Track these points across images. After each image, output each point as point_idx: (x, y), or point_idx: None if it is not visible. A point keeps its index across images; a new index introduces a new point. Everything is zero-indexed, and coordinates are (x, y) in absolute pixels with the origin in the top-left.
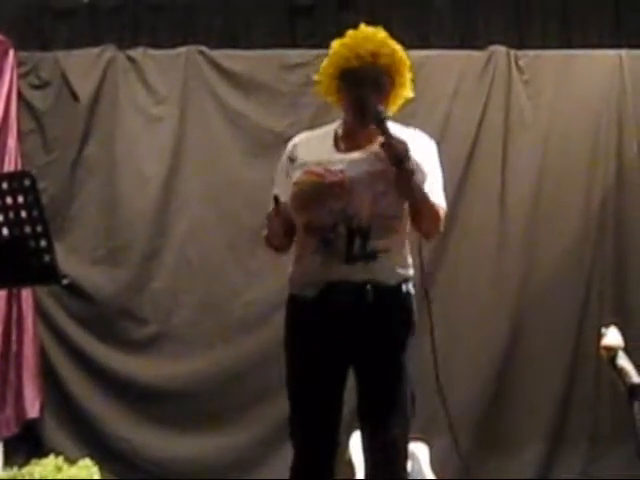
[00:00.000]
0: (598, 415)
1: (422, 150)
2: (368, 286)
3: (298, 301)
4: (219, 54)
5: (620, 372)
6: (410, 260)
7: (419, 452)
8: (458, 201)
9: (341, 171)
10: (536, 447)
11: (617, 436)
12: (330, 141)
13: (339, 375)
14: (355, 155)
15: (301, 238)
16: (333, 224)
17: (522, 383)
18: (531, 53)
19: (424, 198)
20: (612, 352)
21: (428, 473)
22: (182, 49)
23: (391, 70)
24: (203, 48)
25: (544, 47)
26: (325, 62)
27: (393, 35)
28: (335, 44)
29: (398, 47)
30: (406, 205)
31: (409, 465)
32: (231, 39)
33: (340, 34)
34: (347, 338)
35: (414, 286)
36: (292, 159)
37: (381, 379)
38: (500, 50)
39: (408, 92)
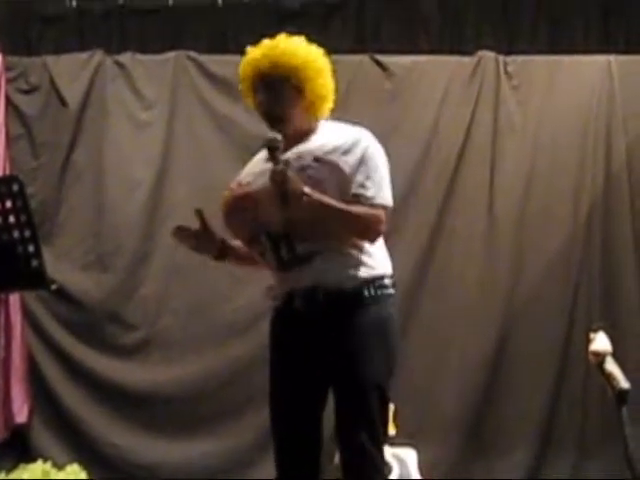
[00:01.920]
0: (586, 419)
1: (349, 148)
2: (320, 294)
3: (272, 312)
4: (207, 59)
5: (608, 377)
6: (376, 260)
7: (407, 457)
8: (446, 206)
9: (248, 183)
10: (525, 450)
11: (605, 440)
12: (264, 155)
13: (315, 383)
14: (267, 165)
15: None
16: (256, 235)
17: (511, 387)
18: (520, 59)
19: (342, 215)
20: (600, 357)
21: (416, 478)
22: (170, 54)
23: (295, 77)
24: (191, 53)
25: (533, 52)
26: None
27: (381, 40)
28: (247, 50)
29: (313, 57)
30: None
31: (397, 471)
32: (219, 44)
33: (329, 39)
34: (314, 346)
35: (392, 286)
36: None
37: (347, 392)
38: (489, 56)
39: (328, 88)
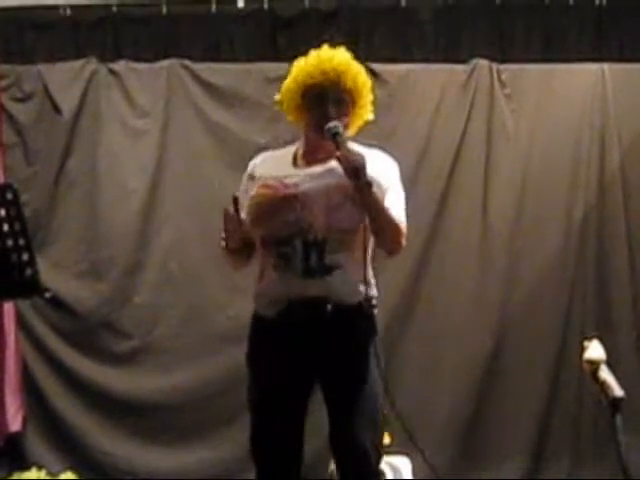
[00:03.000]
0: (580, 427)
1: (381, 169)
2: (328, 306)
3: (260, 320)
4: (202, 67)
5: (602, 385)
6: (372, 279)
7: (402, 466)
8: (440, 214)
9: (295, 184)
10: (519, 458)
11: (599, 449)
12: (289, 158)
13: (303, 393)
14: (311, 170)
15: (260, 255)
16: (288, 238)
17: (504, 397)
18: (513, 67)
19: (383, 211)
20: (594, 366)
21: None
22: (164, 62)
23: (353, 90)
24: (186, 61)
25: (526, 61)
26: (288, 79)
27: (374, 48)
28: (299, 61)
29: (361, 69)
30: (364, 219)
31: (391, 478)
32: (214, 52)
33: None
34: (309, 356)
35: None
36: (252, 177)
37: (346, 398)
38: (482, 64)
39: (368, 114)
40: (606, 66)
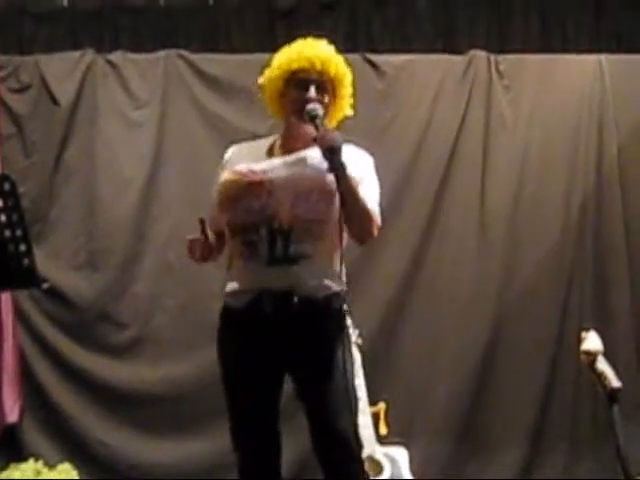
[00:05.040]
0: (578, 418)
1: (356, 161)
2: (295, 298)
3: (229, 311)
4: (199, 58)
5: (600, 376)
6: (342, 275)
7: (399, 456)
8: (438, 204)
9: (263, 171)
10: (516, 450)
11: (597, 439)
12: (264, 149)
13: (272, 385)
14: (282, 159)
15: (229, 244)
16: (254, 225)
17: (502, 385)
18: (511, 58)
19: (357, 197)
20: (592, 356)
21: (408, 477)
22: (162, 53)
23: (334, 79)
24: (183, 52)
25: (524, 52)
26: (270, 66)
27: (373, 39)
28: (282, 50)
29: (343, 61)
30: (334, 211)
31: (388, 470)
32: (211, 43)
33: (321, 38)
34: (277, 348)
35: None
36: (224, 166)
37: (316, 390)
38: (480, 55)
39: (347, 108)
40: (604, 57)
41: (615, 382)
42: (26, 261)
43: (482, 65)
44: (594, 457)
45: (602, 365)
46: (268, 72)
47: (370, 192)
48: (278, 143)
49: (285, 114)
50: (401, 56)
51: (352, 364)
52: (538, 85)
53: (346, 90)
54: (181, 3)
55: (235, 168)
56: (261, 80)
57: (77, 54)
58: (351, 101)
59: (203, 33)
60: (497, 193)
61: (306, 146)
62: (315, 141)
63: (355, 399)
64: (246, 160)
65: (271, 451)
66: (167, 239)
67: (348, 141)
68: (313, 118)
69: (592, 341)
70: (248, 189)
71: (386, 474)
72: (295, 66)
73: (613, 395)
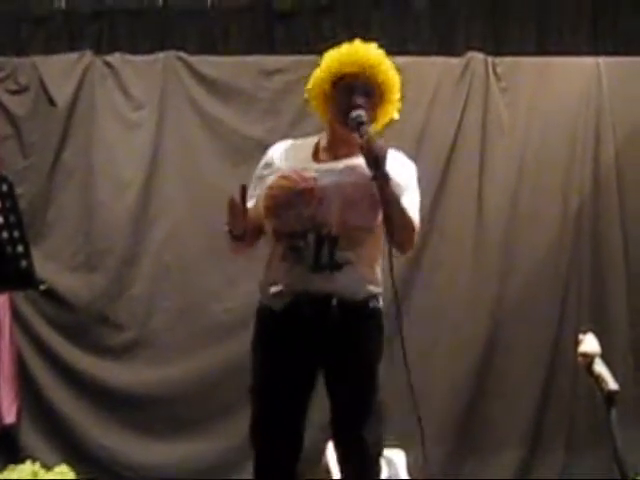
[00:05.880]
0: (575, 419)
1: (400, 169)
2: (334, 300)
3: (266, 311)
4: (197, 60)
5: (597, 379)
6: (380, 277)
7: (396, 458)
8: (436, 207)
9: (313, 178)
10: (514, 450)
11: (594, 441)
12: (310, 150)
13: (305, 386)
14: (331, 165)
15: (271, 245)
16: (302, 231)
17: (500, 387)
18: (508, 60)
19: (399, 207)
20: (589, 359)
21: (405, 479)
22: (160, 55)
23: (383, 84)
24: (181, 54)
25: (522, 54)
26: (318, 68)
27: (370, 41)
28: (331, 51)
29: (392, 66)
30: (379, 218)
31: (386, 472)
32: (209, 45)
33: (319, 40)
34: (313, 350)
35: (382, 301)
36: (268, 164)
37: (350, 393)
38: (478, 57)
39: (394, 112)
40: (601, 59)
41: (612, 384)
42: (24, 262)
43: (479, 67)
44: (591, 458)
45: (599, 367)
46: (316, 73)
47: (412, 201)
48: (323, 146)
49: (330, 118)
50: (398, 58)
51: (379, 362)
52: (535, 87)
53: (394, 96)
54: (179, 5)
55: (284, 172)
56: (310, 82)
57: (75, 56)
58: (399, 105)
59: (201, 35)
60: (494, 195)
61: (351, 152)
62: (361, 149)
63: (382, 407)
64: (292, 162)
65: (291, 453)
66: (165, 241)
67: (391, 146)
68: (358, 125)
69: (589, 343)
70: (299, 197)
71: (383, 476)
72: (344, 70)
73: (610, 397)
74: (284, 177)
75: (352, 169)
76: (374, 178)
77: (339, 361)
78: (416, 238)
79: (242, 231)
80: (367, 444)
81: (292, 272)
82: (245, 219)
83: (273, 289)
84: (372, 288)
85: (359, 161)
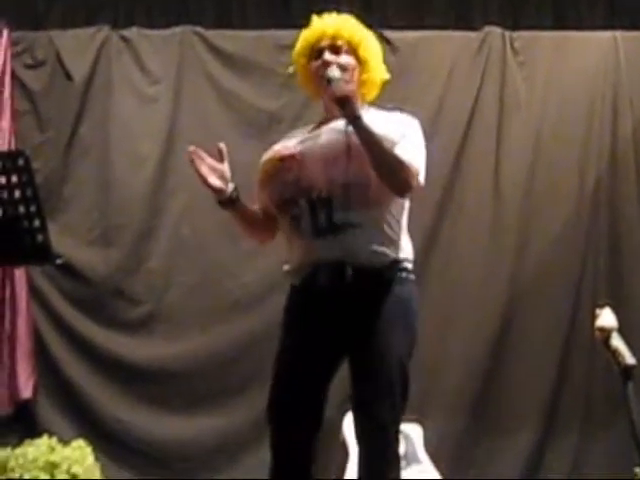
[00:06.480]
0: (592, 396)
1: (396, 123)
2: (349, 269)
3: (291, 288)
4: (214, 34)
5: (614, 353)
6: (403, 242)
7: (413, 433)
8: (452, 182)
9: (295, 145)
10: (530, 427)
11: (611, 417)
12: (308, 129)
13: (326, 363)
14: (315, 132)
15: (281, 224)
16: (292, 197)
17: (516, 364)
18: (526, 34)
19: (381, 148)
20: (606, 333)
21: (422, 454)
22: (176, 29)
23: (352, 43)
24: (198, 28)
25: (539, 28)
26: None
27: (387, 16)
28: (312, 21)
29: (365, 29)
30: (369, 172)
31: (403, 447)
32: (226, 19)
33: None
34: (334, 324)
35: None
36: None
37: (369, 366)
38: (495, 31)
39: (378, 70)
40: (619, 34)
41: (630, 359)
42: (40, 237)
43: (497, 42)
44: (608, 435)
45: (616, 342)
46: (294, 52)
47: (408, 146)
48: (320, 121)
49: (314, 90)
50: (415, 33)
51: (412, 341)
52: (553, 62)
53: (368, 52)
54: None
55: (272, 149)
56: (292, 67)
57: (92, 30)
58: (379, 62)
59: (218, 9)
60: (511, 170)
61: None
62: (334, 101)
63: (405, 384)
64: (290, 140)
65: (310, 431)
66: (181, 215)
67: (394, 108)
68: (329, 81)
69: (606, 317)
70: (280, 163)
71: (400, 450)
72: (310, 40)
73: (628, 372)
74: (271, 151)
75: (332, 128)
76: (346, 119)
77: (357, 335)
78: (414, 180)
79: (226, 196)
80: (385, 423)
81: (299, 243)
82: (225, 180)
83: (286, 267)
84: (386, 250)
85: (342, 121)
